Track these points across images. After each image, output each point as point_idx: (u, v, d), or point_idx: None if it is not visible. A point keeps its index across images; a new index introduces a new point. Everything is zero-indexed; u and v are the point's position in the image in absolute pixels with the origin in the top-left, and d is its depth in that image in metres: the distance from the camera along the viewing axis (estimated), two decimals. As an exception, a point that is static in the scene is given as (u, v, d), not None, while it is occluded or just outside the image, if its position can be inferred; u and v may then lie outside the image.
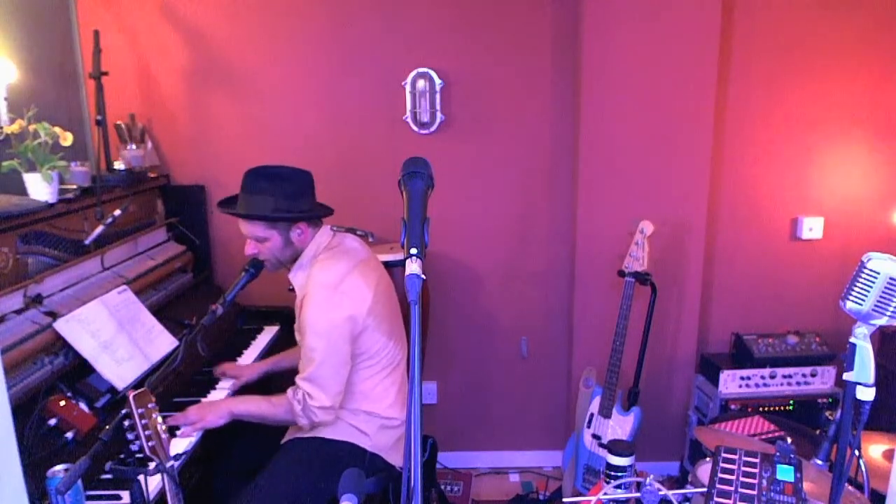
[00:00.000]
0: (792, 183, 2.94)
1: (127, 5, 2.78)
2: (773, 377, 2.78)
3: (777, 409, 2.75)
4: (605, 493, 1.58)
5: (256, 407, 2.01)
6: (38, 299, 1.89)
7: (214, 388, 2.24)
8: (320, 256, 2.01)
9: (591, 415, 2.62)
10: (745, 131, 2.89)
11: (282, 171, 2.00)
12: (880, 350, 2.76)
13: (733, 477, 1.36)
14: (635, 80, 2.71)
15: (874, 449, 2.00)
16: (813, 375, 2.80)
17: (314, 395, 1.91)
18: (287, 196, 1.96)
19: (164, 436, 1.40)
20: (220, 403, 2.02)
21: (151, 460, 1.39)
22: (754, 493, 1.31)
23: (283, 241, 2.00)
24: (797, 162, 2.92)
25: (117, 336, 2.02)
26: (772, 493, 1.30)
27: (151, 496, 1.57)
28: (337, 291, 1.93)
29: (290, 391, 1.96)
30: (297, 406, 1.92)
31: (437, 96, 2.87)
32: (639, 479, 1.51)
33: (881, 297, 1.08)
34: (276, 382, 2.39)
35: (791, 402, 2.76)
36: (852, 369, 1.11)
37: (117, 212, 2.28)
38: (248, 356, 2.54)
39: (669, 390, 3.02)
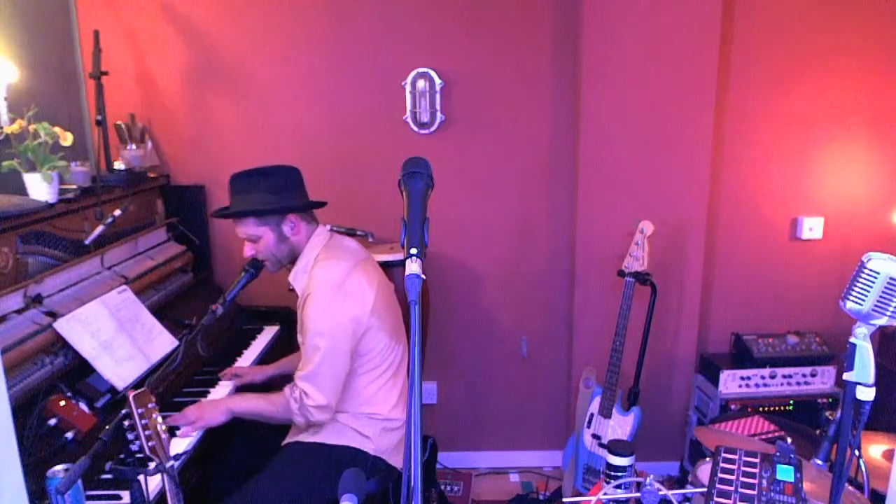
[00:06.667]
0: (792, 183, 2.94)
1: (127, 5, 2.78)
2: (773, 377, 2.78)
3: (777, 409, 2.75)
4: (605, 493, 1.58)
5: (255, 405, 2.01)
6: (38, 299, 1.89)
7: (214, 388, 2.24)
8: (320, 256, 2.01)
9: (591, 415, 2.62)
10: (745, 131, 2.89)
11: (266, 168, 2.01)
12: (880, 350, 2.76)
13: (733, 477, 1.36)
14: (635, 80, 2.71)
15: (874, 449, 2.00)
16: (813, 375, 2.80)
17: (311, 394, 1.91)
18: (273, 190, 1.97)
19: (164, 436, 1.40)
20: (219, 402, 2.02)
21: (151, 460, 1.39)
22: (754, 493, 1.31)
23: (277, 236, 2.00)
24: (797, 162, 2.92)
25: (117, 336, 2.02)
26: (772, 493, 1.30)
27: (151, 496, 1.57)
28: (340, 290, 1.93)
29: (287, 389, 1.97)
30: (293, 404, 1.93)
31: (437, 96, 2.87)
32: (639, 479, 1.51)
33: (881, 297, 1.08)
34: (278, 383, 2.39)
35: (791, 402, 2.76)
36: (852, 369, 1.11)
37: (117, 212, 2.28)
38: (248, 356, 2.54)
39: (669, 390, 3.02)
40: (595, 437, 2.60)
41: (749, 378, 2.78)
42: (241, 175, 2.00)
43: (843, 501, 1.20)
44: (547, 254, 3.06)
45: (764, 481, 1.34)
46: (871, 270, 1.09)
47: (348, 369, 1.96)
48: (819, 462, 1.56)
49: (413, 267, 1.00)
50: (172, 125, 2.90)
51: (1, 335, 1.70)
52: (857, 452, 1.46)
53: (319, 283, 1.93)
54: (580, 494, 2.57)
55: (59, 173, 2.07)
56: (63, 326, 1.87)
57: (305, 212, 2.04)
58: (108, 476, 1.65)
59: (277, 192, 1.98)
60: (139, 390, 1.42)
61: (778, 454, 1.40)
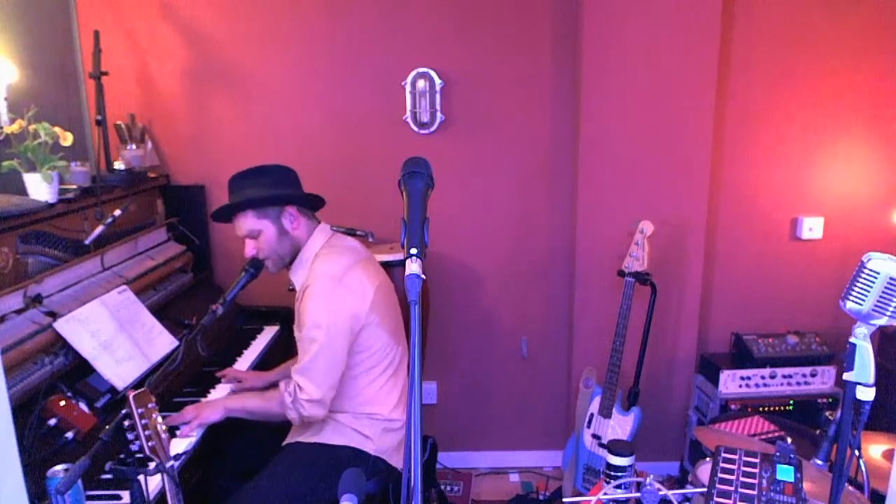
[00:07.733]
0: (792, 183, 2.94)
1: (127, 5, 2.78)
2: (773, 377, 2.78)
3: (777, 409, 2.74)
4: (605, 493, 1.58)
5: (250, 402, 2.03)
6: (38, 299, 1.89)
7: (214, 388, 2.24)
8: (321, 252, 2.01)
9: (591, 415, 2.62)
10: (745, 131, 2.89)
11: (263, 166, 2.02)
12: (880, 350, 2.76)
13: (733, 477, 1.36)
14: (635, 79, 2.71)
15: (874, 449, 1.99)
16: (813, 375, 2.80)
17: (304, 388, 1.90)
18: (270, 185, 1.98)
19: (164, 436, 1.40)
20: (217, 401, 2.03)
21: (151, 460, 1.39)
22: (754, 493, 1.31)
23: (277, 229, 1.99)
24: (797, 162, 2.92)
25: (117, 336, 2.02)
26: (772, 493, 1.30)
27: (151, 496, 1.57)
28: (340, 284, 1.93)
29: (282, 383, 1.98)
30: (287, 398, 1.93)
31: (437, 96, 2.87)
32: (639, 479, 1.51)
33: (881, 297, 1.08)
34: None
35: (791, 402, 2.75)
36: (852, 369, 1.11)
37: (117, 212, 2.28)
38: (248, 356, 2.54)
39: (669, 390, 3.02)
40: (595, 437, 2.60)
41: (749, 378, 2.78)
42: (238, 174, 2.01)
43: (843, 501, 1.20)
44: (547, 254, 3.05)
45: (764, 481, 1.34)
46: (871, 270, 1.09)
47: (344, 365, 1.96)
48: (819, 462, 1.56)
49: (413, 267, 1.00)
50: (172, 125, 2.90)
51: (1, 335, 1.70)
52: (857, 452, 1.46)
53: (319, 276, 1.93)
54: (580, 494, 2.57)
55: (59, 173, 2.06)
56: (63, 326, 1.87)
57: (305, 206, 2.05)
58: (108, 476, 1.65)
59: (274, 185, 1.99)
60: (139, 390, 1.42)
61: (778, 454, 1.40)
